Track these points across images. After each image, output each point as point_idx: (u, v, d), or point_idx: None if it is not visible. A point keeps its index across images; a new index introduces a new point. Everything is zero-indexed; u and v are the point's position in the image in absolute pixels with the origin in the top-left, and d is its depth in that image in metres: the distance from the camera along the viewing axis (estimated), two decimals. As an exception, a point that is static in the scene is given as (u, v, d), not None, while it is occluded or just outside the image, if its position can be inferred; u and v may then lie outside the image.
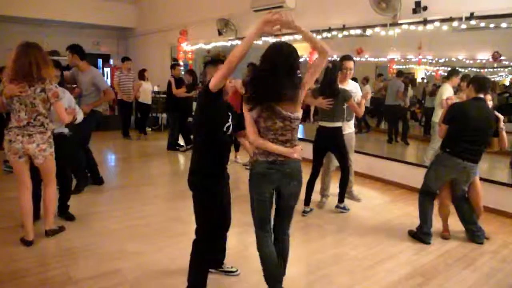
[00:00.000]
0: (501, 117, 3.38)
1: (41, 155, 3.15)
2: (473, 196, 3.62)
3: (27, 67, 3.00)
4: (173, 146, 7.30)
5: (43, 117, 3.15)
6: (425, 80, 6.75)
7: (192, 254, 2.45)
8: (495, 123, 3.35)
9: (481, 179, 3.80)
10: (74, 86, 4.75)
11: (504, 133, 3.38)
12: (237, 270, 2.88)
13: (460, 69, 5.23)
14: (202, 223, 2.43)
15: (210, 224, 2.43)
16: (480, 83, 3.41)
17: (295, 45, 2.26)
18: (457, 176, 3.44)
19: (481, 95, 3.38)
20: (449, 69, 5.74)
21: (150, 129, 8.89)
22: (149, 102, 8.28)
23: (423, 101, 6.70)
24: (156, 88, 8.66)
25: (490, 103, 3.72)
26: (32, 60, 3.02)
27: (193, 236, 2.48)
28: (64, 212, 3.83)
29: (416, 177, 5.17)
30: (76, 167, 4.52)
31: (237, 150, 6.34)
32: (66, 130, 3.77)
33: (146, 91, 8.19)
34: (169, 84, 7.20)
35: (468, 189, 3.61)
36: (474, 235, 3.59)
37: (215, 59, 2.48)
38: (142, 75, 8.21)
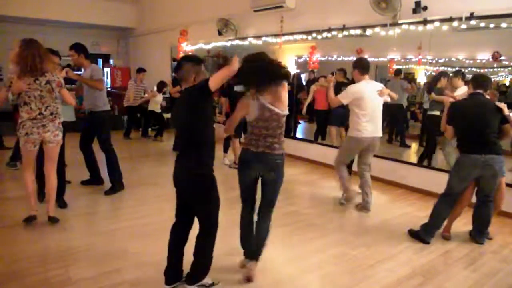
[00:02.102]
0: (503, 105, 3.34)
1: (55, 140, 3.52)
2: (496, 197, 3.59)
3: (31, 60, 3.27)
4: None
5: (52, 107, 3.48)
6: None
7: (203, 243, 2.54)
8: (497, 113, 3.33)
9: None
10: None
11: None
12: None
13: (460, 69, 5.23)
14: (215, 214, 2.54)
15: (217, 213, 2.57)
16: (477, 80, 3.50)
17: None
18: (482, 172, 3.38)
19: (480, 90, 3.43)
20: (450, 69, 5.73)
21: (150, 129, 8.90)
22: (158, 111, 8.39)
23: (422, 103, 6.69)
24: (154, 88, 8.71)
25: None
26: (36, 53, 3.30)
27: (194, 236, 2.48)
28: (59, 197, 4.02)
29: (416, 177, 5.19)
30: (114, 170, 4.69)
31: (225, 151, 6.31)
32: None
33: (157, 102, 8.31)
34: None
35: None
36: (479, 235, 3.59)
37: (200, 59, 2.54)
38: (161, 89, 8.34)
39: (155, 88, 8.41)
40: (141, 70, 8.35)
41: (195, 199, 2.48)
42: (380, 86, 4.20)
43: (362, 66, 4.18)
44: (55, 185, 3.67)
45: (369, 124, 4.07)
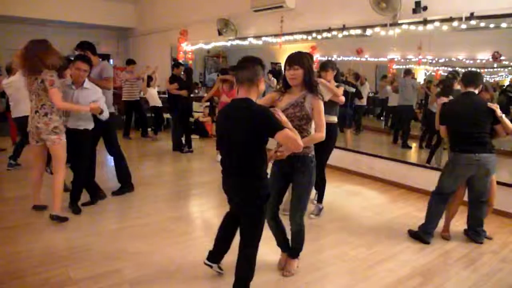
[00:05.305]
0: (496, 106, 3.31)
1: (50, 138, 3.56)
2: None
3: (35, 63, 3.42)
4: (177, 147, 7.26)
5: (48, 107, 3.54)
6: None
7: (249, 262, 2.42)
8: (489, 114, 3.30)
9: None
10: None
11: (505, 119, 3.30)
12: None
13: (460, 69, 5.24)
14: (260, 231, 2.38)
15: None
16: (467, 77, 3.51)
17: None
18: (475, 171, 3.41)
19: (471, 89, 3.42)
20: (450, 69, 5.73)
21: (150, 129, 8.90)
22: (160, 104, 8.40)
23: (422, 101, 6.68)
24: (156, 88, 8.71)
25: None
26: (39, 55, 3.42)
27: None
28: (73, 203, 3.99)
29: (416, 177, 5.19)
30: (124, 173, 4.69)
31: (218, 148, 6.27)
32: (82, 126, 3.86)
33: (154, 96, 8.33)
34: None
35: None
36: (476, 234, 3.59)
37: (263, 63, 2.38)
38: (148, 83, 8.27)
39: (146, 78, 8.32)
40: (130, 62, 8.23)
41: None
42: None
43: None
44: (59, 185, 3.64)
45: None
